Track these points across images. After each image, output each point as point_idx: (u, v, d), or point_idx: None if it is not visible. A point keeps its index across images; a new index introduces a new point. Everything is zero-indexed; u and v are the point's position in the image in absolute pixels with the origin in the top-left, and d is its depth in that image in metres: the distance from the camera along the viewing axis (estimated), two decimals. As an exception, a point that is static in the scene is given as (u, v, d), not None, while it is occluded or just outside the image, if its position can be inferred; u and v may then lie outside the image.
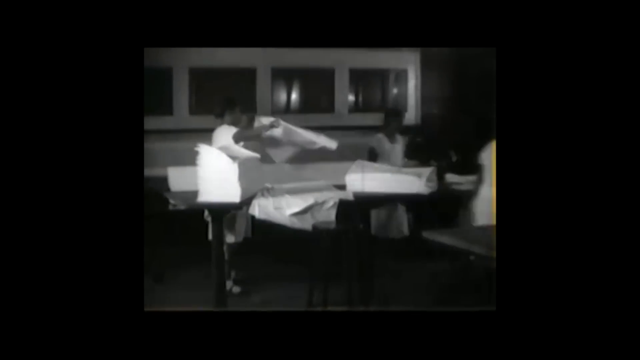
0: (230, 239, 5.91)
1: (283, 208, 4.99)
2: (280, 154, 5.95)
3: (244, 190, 5.02)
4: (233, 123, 5.93)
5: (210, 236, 5.87)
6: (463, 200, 6.26)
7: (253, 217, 5.57)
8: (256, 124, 5.95)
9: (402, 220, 6.57)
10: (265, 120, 5.86)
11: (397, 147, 6.57)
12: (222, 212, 5.26)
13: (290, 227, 5.02)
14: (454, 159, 6.70)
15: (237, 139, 5.74)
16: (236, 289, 5.97)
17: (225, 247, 5.85)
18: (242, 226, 5.98)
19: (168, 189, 5.92)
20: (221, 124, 5.95)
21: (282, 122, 5.77)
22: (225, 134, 5.84)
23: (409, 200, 6.22)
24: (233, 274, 6.05)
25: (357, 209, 5.27)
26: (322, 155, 5.89)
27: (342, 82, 7.91)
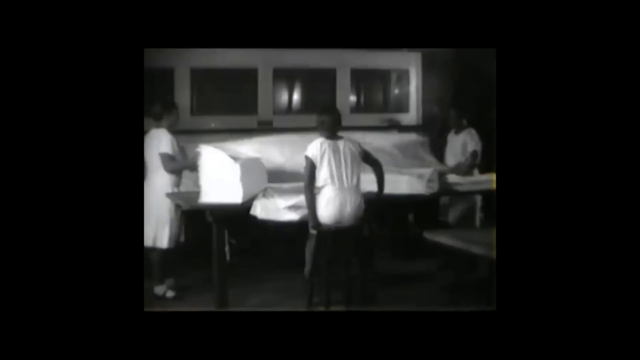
0: (162, 243, 5.62)
1: (281, 209, 5.01)
2: None
3: (245, 190, 5.03)
4: (170, 126, 5.70)
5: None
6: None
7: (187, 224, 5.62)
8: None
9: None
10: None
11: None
12: (224, 214, 5.25)
13: (290, 224, 5.04)
14: (456, 159, 6.70)
15: (172, 170, 5.57)
16: (170, 294, 5.74)
17: (156, 253, 5.63)
18: (176, 231, 5.71)
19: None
20: (157, 126, 5.69)
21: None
22: (163, 138, 5.61)
23: (410, 201, 6.22)
24: (168, 281, 5.81)
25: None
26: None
27: (343, 82, 7.89)
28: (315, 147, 4.95)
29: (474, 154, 6.47)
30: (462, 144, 6.54)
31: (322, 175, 4.91)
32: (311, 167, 4.91)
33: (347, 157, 4.96)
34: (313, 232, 4.97)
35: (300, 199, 4.99)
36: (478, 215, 6.39)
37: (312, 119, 5.24)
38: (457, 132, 6.66)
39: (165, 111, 5.71)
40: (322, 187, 4.93)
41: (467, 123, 6.63)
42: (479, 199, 6.32)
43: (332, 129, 5.03)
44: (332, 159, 4.92)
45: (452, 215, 6.49)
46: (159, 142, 5.57)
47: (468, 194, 6.11)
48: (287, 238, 5.76)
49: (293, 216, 5.01)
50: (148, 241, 5.52)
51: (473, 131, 6.57)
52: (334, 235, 4.98)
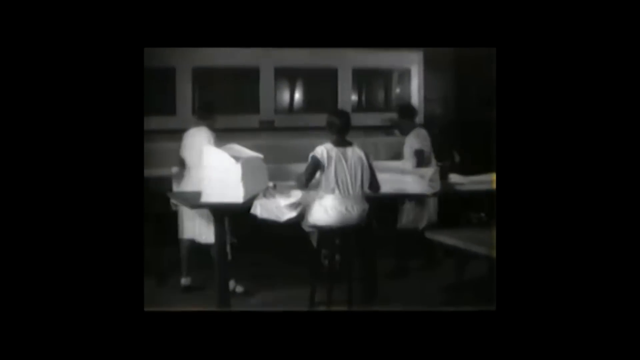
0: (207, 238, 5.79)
1: (282, 207, 5.01)
2: None
3: (246, 190, 5.03)
4: (211, 126, 5.91)
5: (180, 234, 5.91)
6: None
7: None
8: None
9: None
10: None
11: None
12: (225, 213, 5.26)
13: (292, 225, 5.04)
14: (457, 159, 6.69)
15: None
16: (239, 289, 5.95)
17: (228, 247, 5.84)
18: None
19: (171, 189, 5.96)
20: (200, 125, 5.91)
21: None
22: (205, 136, 5.80)
23: (413, 200, 6.22)
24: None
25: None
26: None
27: (345, 81, 7.89)
28: (323, 150, 4.94)
29: (417, 152, 6.41)
30: (409, 145, 6.50)
31: (328, 182, 4.90)
32: (314, 166, 4.89)
33: (354, 165, 4.94)
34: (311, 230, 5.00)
35: (300, 197, 4.98)
36: (426, 217, 6.39)
37: (314, 118, 5.24)
38: (404, 134, 6.62)
39: (213, 112, 5.99)
40: (327, 193, 4.91)
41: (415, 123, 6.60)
42: (431, 201, 6.31)
43: (340, 132, 5.02)
44: (339, 166, 4.90)
45: (406, 218, 6.47)
46: (199, 139, 5.74)
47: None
48: (288, 237, 5.75)
49: (293, 215, 5.01)
50: (189, 234, 5.87)
51: (423, 131, 6.54)
52: (335, 235, 4.99)
